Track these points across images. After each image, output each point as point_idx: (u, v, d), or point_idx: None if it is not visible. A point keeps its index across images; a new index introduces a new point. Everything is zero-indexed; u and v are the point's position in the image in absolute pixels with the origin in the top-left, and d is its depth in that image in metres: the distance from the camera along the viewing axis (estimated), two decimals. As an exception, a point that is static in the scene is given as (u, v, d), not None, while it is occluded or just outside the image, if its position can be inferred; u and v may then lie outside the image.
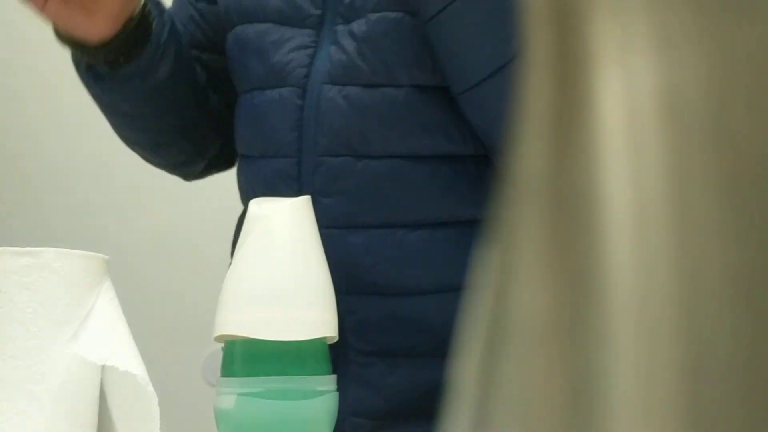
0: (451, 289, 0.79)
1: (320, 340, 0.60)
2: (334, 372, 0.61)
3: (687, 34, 0.17)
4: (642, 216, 0.17)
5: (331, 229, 0.77)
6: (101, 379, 0.61)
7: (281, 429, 0.58)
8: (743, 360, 0.15)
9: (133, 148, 1.03)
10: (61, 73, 2.13)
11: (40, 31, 1.01)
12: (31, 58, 2.19)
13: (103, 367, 0.60)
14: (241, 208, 0.92)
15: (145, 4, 0.85)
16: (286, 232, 0.61)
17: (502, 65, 0.74)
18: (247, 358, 0.59)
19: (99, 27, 0.83)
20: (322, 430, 0.59)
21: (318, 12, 0.84)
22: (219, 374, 0.60)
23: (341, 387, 0.61)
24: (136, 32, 0.85)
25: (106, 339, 0.59)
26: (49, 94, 2.10)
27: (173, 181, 2.16)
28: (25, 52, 2.19)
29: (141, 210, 2.08)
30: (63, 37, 0.88)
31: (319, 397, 0.59)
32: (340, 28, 0.82)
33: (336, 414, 0.61)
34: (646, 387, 0.16)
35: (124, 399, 0.61)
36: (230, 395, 0.58)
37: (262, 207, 0.61)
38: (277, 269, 0.60)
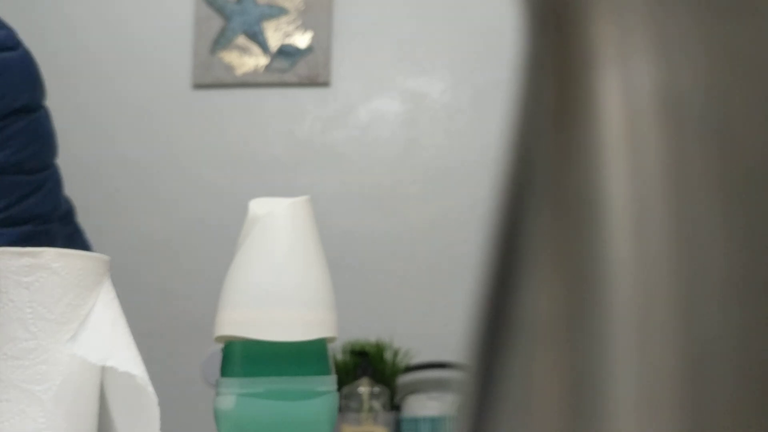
0: None
1: (320, 340, 0.60)
2: None
3: (686, 35, 0.17)
4: (642, 216, 0.17)
5: None
6: (101, 379, 0.61)
7: (281, 429, 0.58)
8: (744, 357, 0.16)
9: None
10: (60, 79, 2.14)
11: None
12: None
13: (103, 368, 0.60)
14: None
15: None
16: (286, 232, 0.61)
17: None
18: (247, 358, 0.59)
19: None
20: (322, 430, 0.59)
21: None
22: (219, 374, 0.60)
23: None
24: None
25: (106, 339, 0.59)
26: (49, 99, 2.10)
27: (174, 182, 2.16)
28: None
29: (141, 210, 2.08)
30: None
31: (319, 397, 0.59)
32: None
33: (336, 414, 0.61)
34: (647, 385, 0.16)
35: (124, 399, 0.61)
36: (230, 395, 0.58)
37: (262, 207, 0.61)
38: (277, 269, 0.60)
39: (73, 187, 2.01)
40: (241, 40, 2.11)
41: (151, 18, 2.15)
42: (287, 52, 2.09)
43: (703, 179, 0.16)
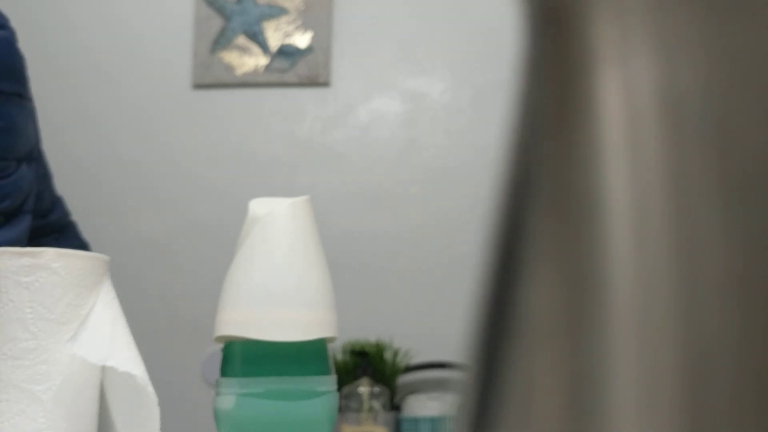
0: None
1: (320, 341, 0.60)
2: None
3: (686, 35, 0.17)
4: (642, 216, 0.17)
5: None
6: (101, 379, 0.61)
7: (281, 429, 0.58)
8: (744, 357, 0.15)
9: None
10: (60, 79, 2.14)
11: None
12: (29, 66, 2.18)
13: (103, 367, 0.60)
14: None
15: None
16: (286, 232, 0.61)
17: None
18: (247, 358, 0.59)
19: None
20: (322, 430, 0.59)
21: None
22: (219, 374, 0.60)
23: None
24: None
25: (106, 339, 0.59)
26: (48, 99, 2.10)
27: (174, 182, 2.16)
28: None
29: (141, 210, 2.08)
30: None
31: (319, 397, 0.59)
32: None
33: (336, 414, 0.61)
34: (647, 385, 0.16)
35: (124, 399, 0.61)
36: (230, 395, 0.58)
37: (262, 207, 0.61)
38: (277, 269, 0.60)
39: (73, 188, 2.01)
40: (241, 40, 2.11)
41: (151, 18, 2.15)
42: (287, 52, 2.09)
43: (703, 179, 0.16)
